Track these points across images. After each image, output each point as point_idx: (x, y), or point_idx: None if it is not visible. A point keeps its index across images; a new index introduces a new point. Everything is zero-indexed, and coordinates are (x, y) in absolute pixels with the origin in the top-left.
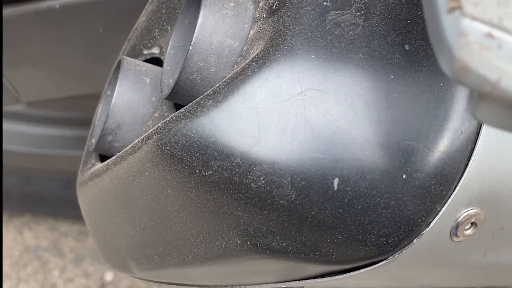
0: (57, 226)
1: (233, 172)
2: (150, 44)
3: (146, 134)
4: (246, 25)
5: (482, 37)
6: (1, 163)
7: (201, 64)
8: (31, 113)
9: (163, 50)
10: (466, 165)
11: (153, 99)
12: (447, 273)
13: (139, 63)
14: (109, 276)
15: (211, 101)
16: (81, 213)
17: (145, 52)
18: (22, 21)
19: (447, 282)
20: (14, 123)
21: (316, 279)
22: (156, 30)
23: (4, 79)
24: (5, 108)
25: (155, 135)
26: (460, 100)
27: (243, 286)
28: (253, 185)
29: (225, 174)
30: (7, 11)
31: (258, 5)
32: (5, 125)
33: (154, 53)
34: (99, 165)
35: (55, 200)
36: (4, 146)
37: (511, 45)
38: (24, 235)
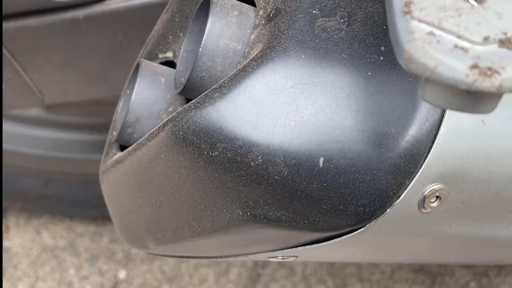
0: (73, 227)
1: (235, 153)
2: (164, 49)
3: (162, 122)
4: (247, 30)
5: (425, 34)
6: (1, 163)
7: (209, 63)
8: (51, 118)
9: (176, 54)
10: (431, 147)
11: (168, 96)
12: (417, 243)
13: (155, 65)
14: (122, 274)
15: (217, 93)
16: (96, 214)
17: (160, 56)
18: (49, 30)
19: (418, 254)
20: (34, 128)
21: (306, 246)
22: (170, 37)
23: (31, 82)
24: (26, 113)
25: (170, 123)
26: None
27: (245, 256)
28: (252, 164)
29: (228, 155)
30: (36, 20)
31: (258, 14)
32: (26, 130)
33: (168, 57)
34: (120, 153)
35: (72, 201)
36: (25, 149)
37: (446, 41)
38: (42, 235)
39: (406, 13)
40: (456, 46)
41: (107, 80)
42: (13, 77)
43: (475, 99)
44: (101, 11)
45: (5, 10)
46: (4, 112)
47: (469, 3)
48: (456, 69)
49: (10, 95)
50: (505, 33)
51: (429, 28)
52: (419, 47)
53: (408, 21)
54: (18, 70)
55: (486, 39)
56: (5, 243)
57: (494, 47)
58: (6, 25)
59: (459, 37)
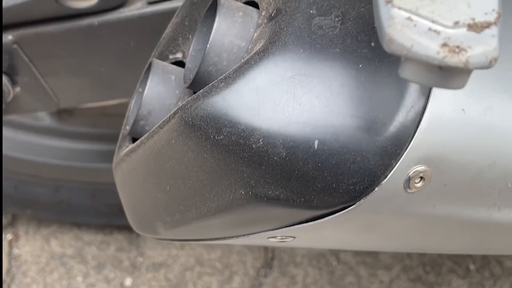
0: (81, 236)
1: (239, 136)
2: (174, 50)
3: (173, 111)
4: (251, 29)
5: (403, 20)
6: (1, 166)
7: (216, 59)
8: (61, 128)
9: (186, 54)
10: (415, 132)
11: (177, 92)
12: (404, 223)
13: (166, 64)
14: (128, 281)
15: (222, 83)
16: (104, 222)
17: (171, 57)
18: (66, 36)
19: (406, 237)
20: (46, 137)
21: (302, 224)
22: (180, 39)
23: (47, 86)
24: (38, 122)
25: (180, 111)
26: (410, 84)
27: (247, 236)
28: (253, 146)
29: (232, 138)
30: (54, 27)
31: (261, 14)
32: (38, 139)
33: (178, 58)
34: (133, 144)
35: (81, 209)
36: (36, 158)
37: (421, 25)
38: (50, 244)
39: (388, 2)
40: (430, 29)
41: (120, 84)
42: (30, 81)
43: (447, 75)
44: (115, 18)
45: (24, 17)
46: (18, 119)
47: None
48: (429, 47)
49: (26, 99)
50: (473, 19)
51: (407, 15)
52: (398, 30)
53: (389, 9)
54: (35, 75)
55: (457, 24)
56: (15, 251)
57: (463, 30)
58: (24, 31)
59: (433, 21)
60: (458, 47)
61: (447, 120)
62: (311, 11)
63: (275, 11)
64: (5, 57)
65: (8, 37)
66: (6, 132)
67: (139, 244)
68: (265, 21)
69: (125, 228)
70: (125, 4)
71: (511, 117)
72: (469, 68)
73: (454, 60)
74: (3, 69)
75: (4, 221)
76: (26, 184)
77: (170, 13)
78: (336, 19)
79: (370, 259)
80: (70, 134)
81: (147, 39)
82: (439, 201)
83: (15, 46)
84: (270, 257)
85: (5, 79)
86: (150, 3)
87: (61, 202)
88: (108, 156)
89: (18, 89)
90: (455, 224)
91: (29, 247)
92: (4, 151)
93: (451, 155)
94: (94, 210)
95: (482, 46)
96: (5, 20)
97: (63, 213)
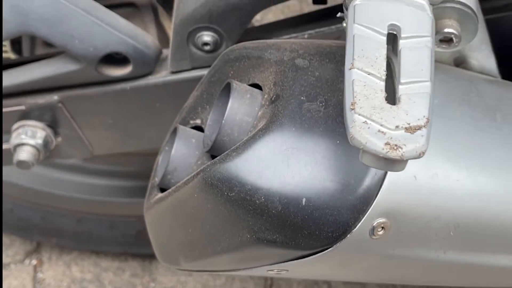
0: (99, 262)
1: (246, 194)
2: (194, 117)
3: (195, 172)
4: (256, 108)
5: (361, 123)
6: (1, 173)
7: (229, 131)
8: (84, 166)
9: (204, 121)
10: (378, 193)
11: (197, 153)
12: (371, 262)
13: (188, 129)
14: None
15: (234, 153)
16: (121, 250)
17: (191, 122)
18: (103, 97)
19: (374, 272)
20: (71, 174)
21: (293, 261)
22: (199, 108)
23: (84, 137)
24: (64, 161)
25: (201, 172)
26: None
27: (250, 269)
28: (257, 201)
29: (241, 195)
30: (93, 90)
31: (264, 97)
32: (64, 175)
33: (197, 123)
34: (162, 194)
35: (101, 238)
36: (62, 192)
37: (373, 127)
38: (71, 269)
39: (352, 109)
40: (379, 131)
41: (145, 137)
42: (70, 133)
43: (390, 163)
44: (144, 84)
45: (69, 82)
46: (54, 160)
47: (389, 104)
48: (377, 144)
49: (66, 148)
50: (409, 123)
51: (364, 119)
52: (357, 131)
53: (352, 114)
54: (75, 128)
55: (397, 127)
56: (39, 275)
57: (401, 132)
58: (68, 92)
59: (381, 125)
60: (396, 145)
61: (402, 184)
62: (302, 98)
63: (275, 96)
64: (50, 113)
65: (54, 97)
66: (35, 169)
67: (152, 271)
68: (267, 103)
69: (139, 255)
70: (152, 72)
71: (452, 181)
72: (404, 160)
73: (393, 154)
74: (49, 123)
75: (30, 247)
76: (52, 215)
77: (189, 81)
78: (321, 104)
79: (359, 286)
80: (92, 171)
81: (169, 102)
82: (397, 245)
83: (59, 104)
84: (269, 284)
85: (49, 130)
86: (173, 73)
87: (83, 232)
88: (125, 191)
89: (59, 139)
90: (411, 262)
91: (52, 272)
92: (33, 186)
93: (406, 210)
94: (113, 240)
95: (414, 144)
96: (52, 84)
97: (85, 242)
